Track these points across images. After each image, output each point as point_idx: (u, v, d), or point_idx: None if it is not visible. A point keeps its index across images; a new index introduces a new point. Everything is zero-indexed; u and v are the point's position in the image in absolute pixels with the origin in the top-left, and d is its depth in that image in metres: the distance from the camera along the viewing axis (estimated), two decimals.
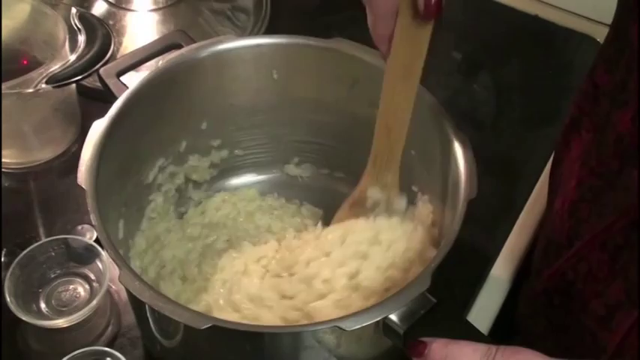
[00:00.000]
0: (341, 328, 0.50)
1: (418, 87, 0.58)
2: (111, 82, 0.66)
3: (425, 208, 0.65)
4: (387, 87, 0.57)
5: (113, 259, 0.54)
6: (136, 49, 0.69)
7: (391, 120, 0.59)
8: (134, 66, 0.67)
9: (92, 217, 0.55)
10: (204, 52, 0.66)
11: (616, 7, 0.54)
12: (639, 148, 0.48)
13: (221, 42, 0.67)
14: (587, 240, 0.54)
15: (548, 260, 0.62)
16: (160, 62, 0.65)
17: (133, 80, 0.64)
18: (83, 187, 0.57)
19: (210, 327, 0.50)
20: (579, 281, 0.56)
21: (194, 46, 0.67)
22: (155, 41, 0.69)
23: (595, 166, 0.54)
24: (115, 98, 0.63)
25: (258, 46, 0.68)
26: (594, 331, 0.56)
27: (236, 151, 0.75)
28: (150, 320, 0.58)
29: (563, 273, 0.58)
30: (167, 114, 0.67)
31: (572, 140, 0.60)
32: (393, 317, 0.51)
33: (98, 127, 0.60)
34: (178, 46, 0.68)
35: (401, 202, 0.65)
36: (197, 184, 0.74)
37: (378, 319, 0.51)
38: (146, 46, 0.68)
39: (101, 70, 0.67)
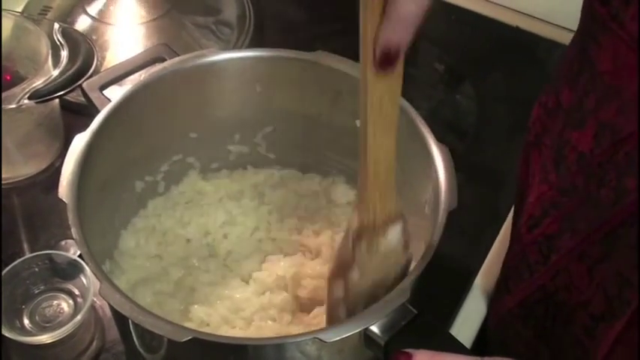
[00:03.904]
0: (321, 340, 0.50)
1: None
2: (94, 96, 0.66)
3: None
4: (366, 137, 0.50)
5: (94, 273, 0.54)
6: (119, 63, 0.69)
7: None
8: (117, 80, 0.67)
9: (73, 231, 0.55)
10: (187, 66, 0.66)
11: (577, 27, 0.54)
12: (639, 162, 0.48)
13: (204, 55, 0.67)
14: (564, 253, 0.54)
15: (518, 273, 0.61)
16: (143, 76, 0.66)
17: (116, 94, 0.64)
18: (64, 200, 0.56)
19: (191, 340, 0.50)
20: (561, 292, 0.56)
21: (177, 59, 0.67)
22: (138, 55, 0.69)
23: (555, 182, 0.54)
24: (98, 112, 0.63)
25: (240, 59, 0.68)
26: (582, 341, 0.56)
27: (220, 164, 0.75)
28: (133, 334, 0.58)
29: (542, 285, 0.58)
30: (150, 128, 0.67)
31: (532, 155, 0.60)
32: (374, 328, 0.51)
33: (80, 141, 0.60)
34: (161, 60, 0.68)
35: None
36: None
37: (358, 330, 0.51)
38: (129, 59, 0.68)
39: (84, 84, 0.67)
